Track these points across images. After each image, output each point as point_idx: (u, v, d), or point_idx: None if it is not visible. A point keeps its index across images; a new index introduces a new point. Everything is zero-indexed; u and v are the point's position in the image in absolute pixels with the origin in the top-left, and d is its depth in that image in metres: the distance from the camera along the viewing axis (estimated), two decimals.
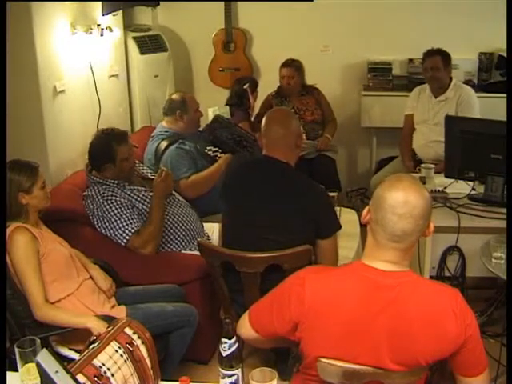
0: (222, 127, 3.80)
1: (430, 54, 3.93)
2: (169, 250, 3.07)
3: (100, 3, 3.82)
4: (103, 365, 1.57)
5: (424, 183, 3.32)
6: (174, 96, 3.76)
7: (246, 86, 4.24)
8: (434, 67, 3.90)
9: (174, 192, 3.24)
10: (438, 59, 3.87)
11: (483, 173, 3.09)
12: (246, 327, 1.78)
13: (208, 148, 3.74)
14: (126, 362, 1.62)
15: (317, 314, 1.62)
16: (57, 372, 1.38)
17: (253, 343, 1.92)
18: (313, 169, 4.19)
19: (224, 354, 1.60)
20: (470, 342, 1.59)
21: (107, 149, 2.97)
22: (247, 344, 2.05)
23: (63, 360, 1.45)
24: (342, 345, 1.61)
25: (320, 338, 1.63)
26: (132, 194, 3.03)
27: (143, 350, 1.67)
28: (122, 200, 2.95)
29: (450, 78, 3.98)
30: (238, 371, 1.62)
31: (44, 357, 1.43)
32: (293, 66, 4.36)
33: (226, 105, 4.26)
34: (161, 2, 4.67)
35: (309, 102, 4.45)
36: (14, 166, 2.41)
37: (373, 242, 1.64)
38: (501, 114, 3.22)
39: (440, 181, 3.29)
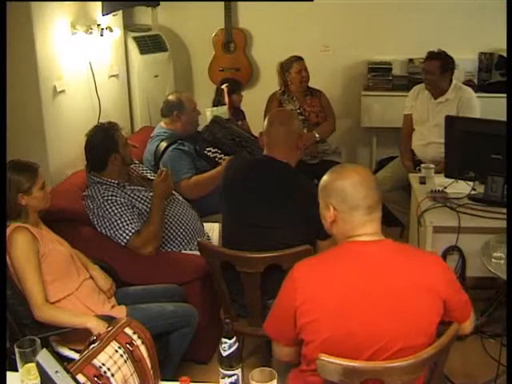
0: (220, 128, 3.80)
1: (431, 56, 3.88)
2: (169, 249, 3.07)
3: (100, 3, 3.83)
4: (103, 365, 1.57)
5: (424, 183, 3.33)
6: (170, 97, 3.75)
7: (223, 86, 4.23)
8: (430, 71, 3.86)
9: (174, 192, 3.24)
10: (436, 64, 3.82)
11: (483, 173, 3.09)
12: (274, 346, 1.84)
13: (207, 149, 3.74)
14: (125, 361, 1.62)
15: (312, 299, 1.67)
16: (57, 372, 1.38)
17: (294, 357, 1.86)
18: (317, 174, 4.14)
19: (224, 354, 1.60)
20: (455, 295, 1.74)
21: (108, 139, 2.97)
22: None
23: (63, 360, 1.45)
24: (340, 318, 1.65)
25: (318, 319, 1.66)
26: (132, 194, 3.03)
27: (143, 350, 1.67)
28: (122, 200, 2.95)
29: (450, 80, 3.96)
30: (238, 371, 1.62)
31: (44, 357, 1.43)
32: (303, 61, 4.31)
33: (213, 106, 4.24)
34: (161, 2, 4.67)
35: (314, 104, 4.42)
36: (14, 167, 2.41)
37: (347, 229, 1.74)
38: (501, 114, 3.21)
39: (440, 181, 3.28)
